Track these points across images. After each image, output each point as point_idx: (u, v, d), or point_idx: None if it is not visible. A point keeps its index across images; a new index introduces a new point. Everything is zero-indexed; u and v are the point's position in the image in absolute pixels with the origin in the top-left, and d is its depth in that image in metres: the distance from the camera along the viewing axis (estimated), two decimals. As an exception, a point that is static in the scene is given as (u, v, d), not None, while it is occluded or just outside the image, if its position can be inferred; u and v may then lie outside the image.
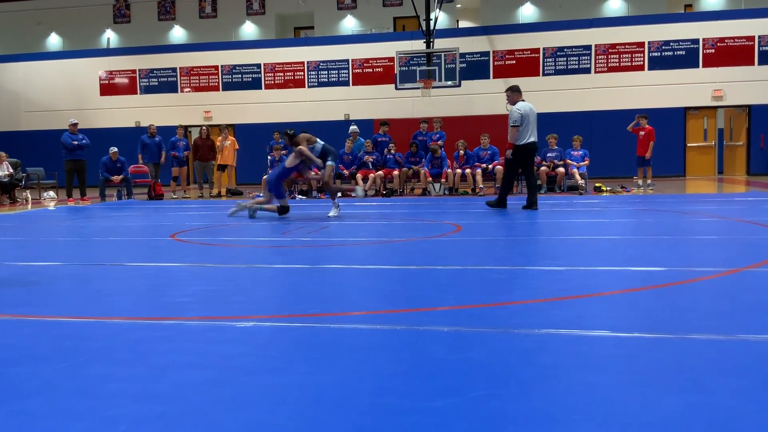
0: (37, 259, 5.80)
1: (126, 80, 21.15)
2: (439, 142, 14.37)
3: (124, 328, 3.24)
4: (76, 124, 13.78)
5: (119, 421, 2.05)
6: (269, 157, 15.03)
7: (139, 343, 2.93)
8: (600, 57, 18.59)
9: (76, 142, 13.47)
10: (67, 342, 2.97)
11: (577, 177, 13.29)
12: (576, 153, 13.86)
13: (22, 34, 24.25)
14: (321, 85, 20.05)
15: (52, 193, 15.64)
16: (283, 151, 14.95)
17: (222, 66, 20.61)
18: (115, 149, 14.05)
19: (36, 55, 22.32)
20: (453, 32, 20.31)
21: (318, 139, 8.69)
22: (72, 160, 13.51)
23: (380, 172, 13.91)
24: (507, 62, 19.05)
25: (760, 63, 17.94)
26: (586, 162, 13.77)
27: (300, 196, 13.83)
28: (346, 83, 19.90)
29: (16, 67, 21.75)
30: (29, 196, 15.11)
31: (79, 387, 2.38)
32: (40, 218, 10.21)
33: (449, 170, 13.81)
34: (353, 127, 15.25)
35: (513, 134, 9.31)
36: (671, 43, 18.25)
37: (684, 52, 18.21)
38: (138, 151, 14.84)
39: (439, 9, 17.90)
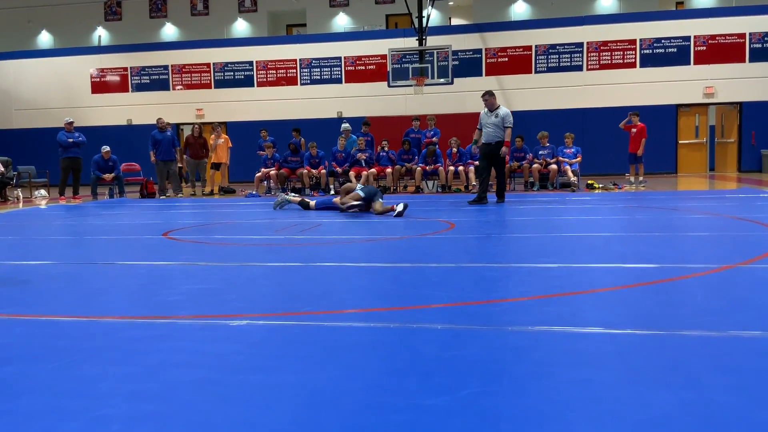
0: (28, 258, 5.77)
1: (117, 78, 21.05)
2: (434, 139, 14.37)
3: (116, 327, 3.22)
4: (71, 123, 13.71)
5: (112, 420, 2.04)
6: (262, 155, 14.98)
7: (131, 342, 2.92)
8: (592, 54, 18.63)
9: (71, 140, 13.41)
10: (59, 341, 2.95)
11: (570, 174, 13.31)
12: (568, 150, 13.89)
13: (13, 32, 24.06)
14: (313, 82, 20.01)
15: (43, 192, 15.53)
16: (274, 149, 14.89)
17: (214, 63, 20.54)
18: (107, 148, 13.99)
19: (27, 53, 22.18)
20: (445, 30, 20.31)
21: (357, 185, 9.45)
22: (68, 158, 13.47)
23: (373, 170, 13.90)
24: (499, 60, 19.06)
25: (752, 60, 18.02)
26: (579, 159, 13.79)
27: (293, 194, 13.80)
28: (338, 81, 19.87)
29: (6, 65, 21.63)
30: (20, 194, 15.01)
31: (71, 386, 2.37)
32: (32, 217, 10.15)
33: (442, 168, 13.82)
34: (345, 125, 15.23)
35: (509, 134, 10.30)
36: (663, 41, 18.30)
37: (675, 50, 18.26)
38: (149, 148, 14.10)
39: (432, 6, 17.88)
